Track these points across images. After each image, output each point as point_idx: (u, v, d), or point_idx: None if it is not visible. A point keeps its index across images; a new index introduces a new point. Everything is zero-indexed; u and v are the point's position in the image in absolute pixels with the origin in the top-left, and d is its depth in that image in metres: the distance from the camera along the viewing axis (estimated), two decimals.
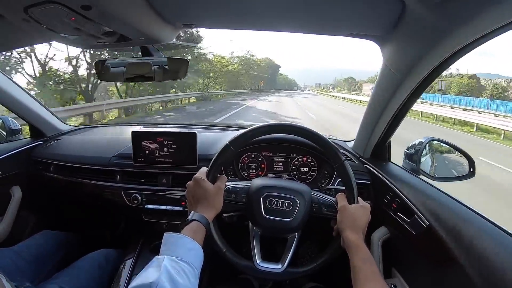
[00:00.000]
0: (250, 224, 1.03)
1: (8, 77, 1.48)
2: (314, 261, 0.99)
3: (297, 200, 0.99)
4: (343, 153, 1.35)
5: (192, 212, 0.88)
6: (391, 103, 1.04)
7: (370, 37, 0.86)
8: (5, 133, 1.64)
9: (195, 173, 0.99)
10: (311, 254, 1.55)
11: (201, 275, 0.74)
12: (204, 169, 0.99)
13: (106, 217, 1.83)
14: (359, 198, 0.98)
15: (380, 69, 0.99)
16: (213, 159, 0.98)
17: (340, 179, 1.27)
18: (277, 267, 0.98)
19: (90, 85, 12.29)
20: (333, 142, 1.03)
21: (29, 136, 1.74)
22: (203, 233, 0.83)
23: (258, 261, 0.98)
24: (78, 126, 1.93)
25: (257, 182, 1.03)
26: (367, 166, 1.29)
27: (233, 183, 1.06)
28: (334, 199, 1.01)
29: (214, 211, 0.92)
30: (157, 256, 0.71)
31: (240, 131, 1.00)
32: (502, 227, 0.78)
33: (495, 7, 0.56)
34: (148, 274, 0.64)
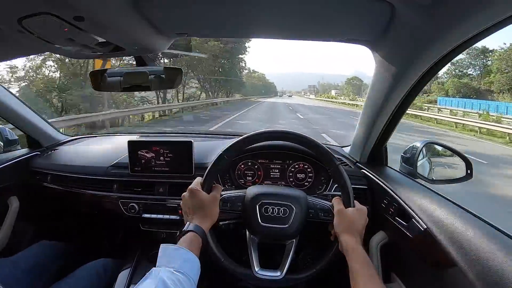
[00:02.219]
0: (247, 232, 1.03)
1: (4, 88, 1.49)
2: (313, 267, 0.99)
3: (293, 206, 0.98)
4: (339, 158, 1.36)
5: (188, 223, 0.88)
6: (385, 107, 1.05)
7: (361, 41, 0.87)
8: (2, 144, 1.64)
9: (192, 182, 0.99)
10: (310, 260, 1.54)
11: (199, 285, 0.73)
12: (199, 179, 0.99)
13: (104, 226, 1.82)
14: (355, 201, 0.97)
15: (373, 73, 0.99)
16: (207, 169, 0.98)
17: (337, 185, 1.27)
18: (276, 274, 0.97)
19: None
20: (329, 147, 1.03)
21: (26, 147, 1.74)
22: (200, 243, 0.83)
23: (256, 269, 0.98)
24: (74, 136, 1.93)
25: (252, 190, 1.03)
26: (364, 171, 1.29)
27: (228, 192, 1.05)
28: (330, 203, 1.01)
29: (210, 221, 0.92)
30: (154, 268, 0.71)
31: (234, 140, 1.01)
32: (499, 228, 0.78)
33: (482, 9, 0.56)
34: (145, 286, 0.64)
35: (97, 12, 0.62)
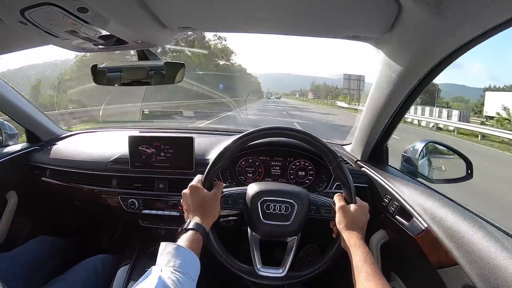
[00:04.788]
0: (248, 229, 1.03)
1: (4, 81, 1.48)
2: (316, 264, 0.98)
3: (294, 203, 0.98)
4: (340, 156, 1.36)
5: (189, 220, 0.87)
6: (388, 106, 1.04)
7: (366, 39, 0.87)
8: (1, 138, 1.64)
9: (192, 178, 0.99)
10: (312, 258, 1.54)
11: (199, 282, 0.73)
12: (199, 177, 0.98)
13: (103, 222, 1.82)
14: (357, 197, 0.97)
15: (377, 72, 0.99)
16: (208, 166, 0.97)
17: (337, 183, 1.27)
18: (278, 271, 0.97)
19: None
20: (330, 144, 1.02)
21: (25, 141, 1.73)
22: (200, 242, 0.82)
23: (258, 266, 0.98)
24: (74, 131, 1.92)
25: (254, 187, 1.03)
26: (365, 169, 1.29)
27: (229, 189, 1.05)
28: (332, 200, 1.00)
29: (211, 218, 0.91)
30: (153, 267, 0.70)
31: (235, 137, 1.00)
32: (500, 226, 0.78)
33: (490, 7, 0.56)
34: (144, 285, 0.64)
35: (102, 3, 0.62)
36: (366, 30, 0.83)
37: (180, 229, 0.85)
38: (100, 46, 0.85)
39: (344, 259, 0.87)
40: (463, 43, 0.69)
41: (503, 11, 0.56)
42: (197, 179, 0.97)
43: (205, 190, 0.94)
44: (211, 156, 1.00)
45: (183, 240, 0.80)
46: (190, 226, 0.84)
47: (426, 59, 0.80)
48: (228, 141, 1.00)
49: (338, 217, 0.93)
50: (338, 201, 0.97)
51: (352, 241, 0.86)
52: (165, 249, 0.74)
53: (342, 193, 0.99)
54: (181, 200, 0.95)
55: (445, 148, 1.24)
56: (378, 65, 0.95)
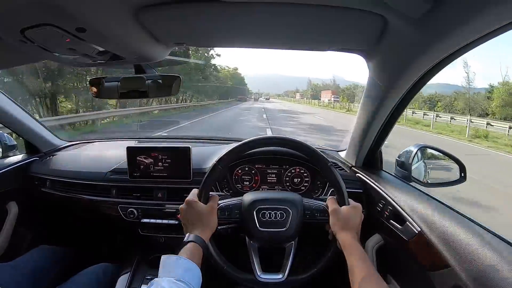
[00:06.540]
0: (247, 238, 1.05)
1: (2, 93, 1.49)
2: (314, 267, 1.01)
3: (289, 209, 1.00)
4: (335, 162, 1.38)
5: (188, 233, 0.89)
6: (379, 113, 1.07)
7: (355, 51, 0.89)
8: (0, 149, 1.65)
9: (190, 187, 1.01)
10: (310, 260, 1.56)
11: None
12: (195, 191, 1.00)
13: (103, 231, 1.83)
14: (349, 199, 0.99)
15: (367, 80, 1.01)
16: (203, 180, 0.99)
17: (332, 189, 1.29)
18: (278, 277, 0.99)
19: None
20: (324, 151, 1.04)
21: (25, 152, 1.74)
22: (200, 253, 0.85)
23: (259, 273, 1.00)
24: (73, 141, 1.94)
25: (249, 197, 1.05)
26: (359, 175, 1.31)
27: (225, 200, 1.07)
28: (325, 203, 1.03)
29: (209, 230, 0.93)
30: (155, 279, 0.71)
31: (229, 147, 1.02)
32: (490, 229, 0.80)
33: (469, 22, 0.58)
34: None
35: (99, 24, 0.64)
36: (354, 44, 0.85)
37: (182, 243, 0.87)
38: (98, 62, 0.87)
39: (341, 260, 0.89)
40: (447, 55, 0.72)
41: (482, 25, 0.59)
42: (193, 193, 0.99)
43: (202, 203, 0.96)
44: (208, 165, 1.02)
45: (184, 252, 0.82)
46: (190, 239, 0.86)
47: (413, 69, 0.82)
48: (222, 151, 1.02)
49: (332, 220, 0.95)
50: (330, 204, 0.99)
51: (347, 242, 0.88)
52: (166, 261, 0.76)
53: (335, 196, 1.02)
54: (178, 215, 0.97)
55: (438, 152, 1.26)
56: (368, 74, 0.98)
